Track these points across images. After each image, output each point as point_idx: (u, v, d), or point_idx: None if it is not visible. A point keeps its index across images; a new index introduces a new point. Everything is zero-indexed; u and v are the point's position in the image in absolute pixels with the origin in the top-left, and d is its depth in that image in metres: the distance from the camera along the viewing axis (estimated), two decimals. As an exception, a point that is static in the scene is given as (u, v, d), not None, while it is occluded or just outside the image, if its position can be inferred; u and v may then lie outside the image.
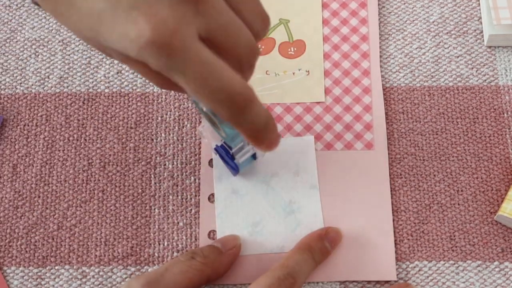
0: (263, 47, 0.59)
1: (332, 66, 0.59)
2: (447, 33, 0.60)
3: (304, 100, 0.57)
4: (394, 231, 0.54)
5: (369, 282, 0.52)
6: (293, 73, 0.58)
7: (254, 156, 0.53)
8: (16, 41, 0.60)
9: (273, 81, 0.58)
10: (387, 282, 0.52)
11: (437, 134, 0.57)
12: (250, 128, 0.40)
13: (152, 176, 0.55)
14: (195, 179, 0.55)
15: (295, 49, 0.59)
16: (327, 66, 0.59)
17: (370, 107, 0.57)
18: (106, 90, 0.58)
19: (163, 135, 0.57)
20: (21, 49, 0.60)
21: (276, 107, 0.57)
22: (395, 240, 0.53)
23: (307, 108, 0.57)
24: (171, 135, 0.57)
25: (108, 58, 0.59)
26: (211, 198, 0.55)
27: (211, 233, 0.54)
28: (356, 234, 0.53)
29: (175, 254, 0.53)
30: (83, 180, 0.56)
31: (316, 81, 0.58)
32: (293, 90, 0.58)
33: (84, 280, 0.53)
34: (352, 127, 0.57)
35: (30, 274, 0.53)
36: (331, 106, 0.57)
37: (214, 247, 0.50)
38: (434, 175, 0.55)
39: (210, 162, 0.56)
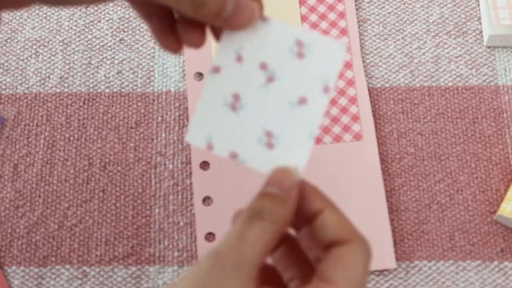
0: None
1: None
2: (446, 33, 0.60)
3: None
4: (394, 231, 0.54)
5: (371, 272, 0.52)
6: None
7: None
8: (17, 41, 0.60)
9: None
10: (386, 270, 0.52)
11: (436, 134, 0.57)
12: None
13: (153, 176, 0.56)
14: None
15: None
16: None
17: (356, 98, 0.57)
18: (107, 90, 0.58)
19: (163, 135, 0.57)
20: (22, 49, 0.60)
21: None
22: (395, 240, 0.53)
23: None
24: (171, 135, 0.57)
25: (108, 58, 0.59)
26: (206, 200, 0.55)
27: (208, 236, 0.54)
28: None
29: (175, 253, 0.53)
30: (83, 180, 0.56)
31: None
32: None
33: (84, 279, 0.53)
34: (339, 119, 0.57)
35: (30, 273, 0.53)
36: None
37: (274, 197, 0.36)
38: (434, 175, 0.55)
39: (201, 165, 0.56)
